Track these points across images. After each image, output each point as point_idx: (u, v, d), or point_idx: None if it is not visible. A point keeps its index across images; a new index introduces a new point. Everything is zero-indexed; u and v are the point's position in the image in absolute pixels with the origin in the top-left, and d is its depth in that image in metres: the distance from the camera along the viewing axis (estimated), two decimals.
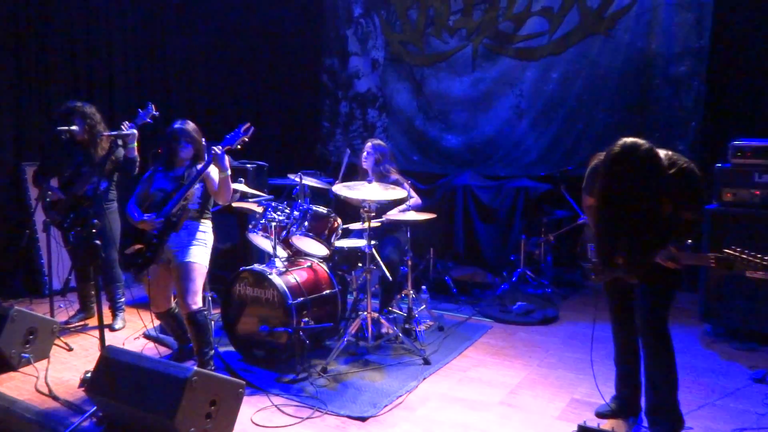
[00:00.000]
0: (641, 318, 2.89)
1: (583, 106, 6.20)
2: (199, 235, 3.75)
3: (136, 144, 4.47)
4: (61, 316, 4.86)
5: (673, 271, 2.79)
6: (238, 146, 3.70)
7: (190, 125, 3.83)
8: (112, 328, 4.72)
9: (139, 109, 4.51)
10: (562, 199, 5.65)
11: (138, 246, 3.66)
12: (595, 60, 6.07)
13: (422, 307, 4.78)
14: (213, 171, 3.68)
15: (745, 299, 4.27)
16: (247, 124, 3.70)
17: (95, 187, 4.04)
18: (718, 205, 4.40)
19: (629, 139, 2.67)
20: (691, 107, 5.54)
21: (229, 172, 3.66)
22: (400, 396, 3.56)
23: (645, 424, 2.96)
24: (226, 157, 3.63)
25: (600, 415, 3.22)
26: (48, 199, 4.57)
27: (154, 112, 4.47)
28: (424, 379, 3.81)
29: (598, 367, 3.78)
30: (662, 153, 2.71)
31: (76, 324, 4.84)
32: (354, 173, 5.01)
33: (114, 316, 4.85)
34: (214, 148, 3.62)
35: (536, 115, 6.48)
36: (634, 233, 2.69)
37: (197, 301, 3.64)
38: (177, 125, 3.80)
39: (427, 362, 4.04)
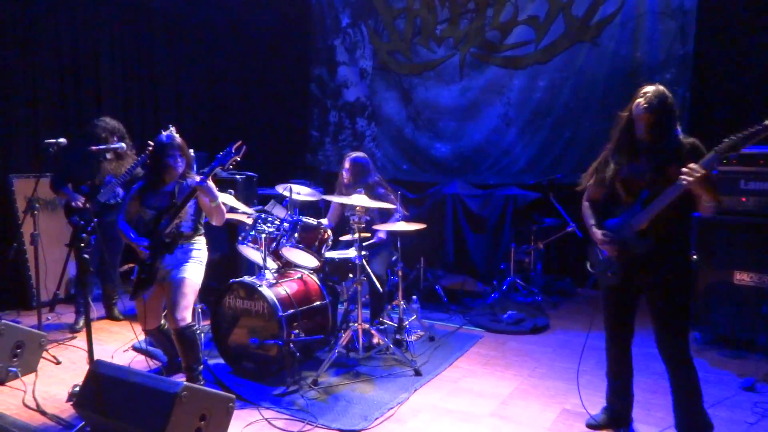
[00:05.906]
0: (667, 346, 2.88)
1: (570, 114, 6.25)
2: (193, 253, 3.69)
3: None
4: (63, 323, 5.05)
5: (686, 277, 2.87)
6: (230, 166, 3.60)
7: (178, 138, 3.69)
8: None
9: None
10: (551, 207, 5.68)
11: (131, 264, 3.62)
12: (581, 68, 6.12)
13: (413, 317, 4.77)
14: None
15: (735, 306, 4.30)
16: (239, 143, 3.56)
17: (116, 195, 4.58)
18: None
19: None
20: (677, 115, 5.55)
21: (219, 199, 3.59)
22: (392, 408, 3.54)
23: None
24: (213, 185, 3.56)
25: (591, 426, 3.22)
26: (72, 203, 4.74)
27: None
28: (416, 390, 3.80)
29: (589, 376, 3.81)
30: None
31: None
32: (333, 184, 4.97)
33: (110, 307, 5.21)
34: (196, 178, 3.57)
35: (524, 124, 6.53)
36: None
37: (186, 317, 3.57)
38: (165, 139, 3.65)
39: (418, 373, 4.03)
